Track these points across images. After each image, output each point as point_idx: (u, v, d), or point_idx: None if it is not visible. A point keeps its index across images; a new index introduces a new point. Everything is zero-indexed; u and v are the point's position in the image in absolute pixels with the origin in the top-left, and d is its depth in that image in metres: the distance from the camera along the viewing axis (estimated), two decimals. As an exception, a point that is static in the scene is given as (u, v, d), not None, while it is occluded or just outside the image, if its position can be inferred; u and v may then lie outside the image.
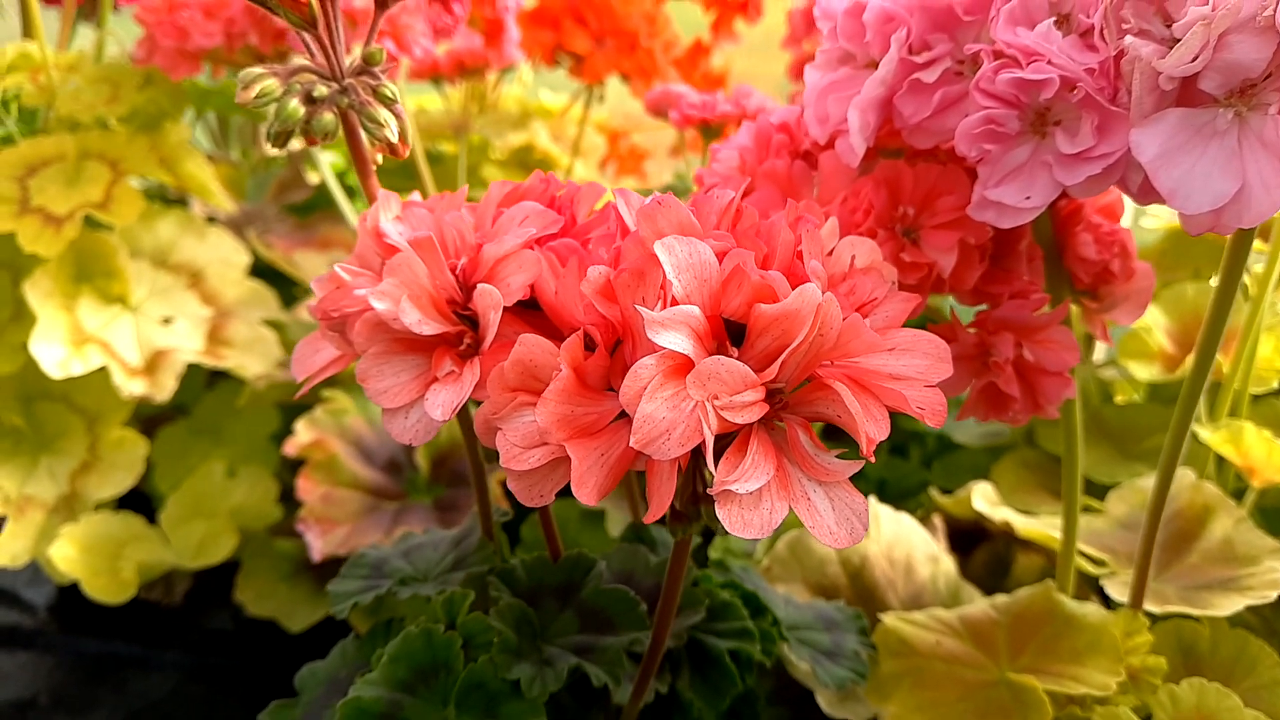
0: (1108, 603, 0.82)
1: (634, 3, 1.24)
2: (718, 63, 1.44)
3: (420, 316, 0.45)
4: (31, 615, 1.31)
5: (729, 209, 0.47)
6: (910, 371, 0.45)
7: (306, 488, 0.86)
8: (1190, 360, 0.98)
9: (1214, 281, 1.07)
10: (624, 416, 0.43)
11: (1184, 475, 0.87)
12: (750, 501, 0.40)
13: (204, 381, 1.16)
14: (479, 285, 0.45)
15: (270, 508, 1.00)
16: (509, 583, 0.58)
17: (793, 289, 0.42)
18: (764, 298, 0.42)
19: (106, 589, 0.95)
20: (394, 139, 0.49)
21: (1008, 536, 0.98)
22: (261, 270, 1.23)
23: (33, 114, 1.16)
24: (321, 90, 0.48)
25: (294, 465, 1.12)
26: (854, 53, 0.55)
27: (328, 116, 0.48)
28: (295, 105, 0.48)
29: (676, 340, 0.40)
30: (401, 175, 1.43)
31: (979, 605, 0.78)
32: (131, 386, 1.01)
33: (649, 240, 0.43)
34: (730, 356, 0.42)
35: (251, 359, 1.08)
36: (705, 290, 0.42)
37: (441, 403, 0.44)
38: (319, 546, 0.83)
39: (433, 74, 1.16)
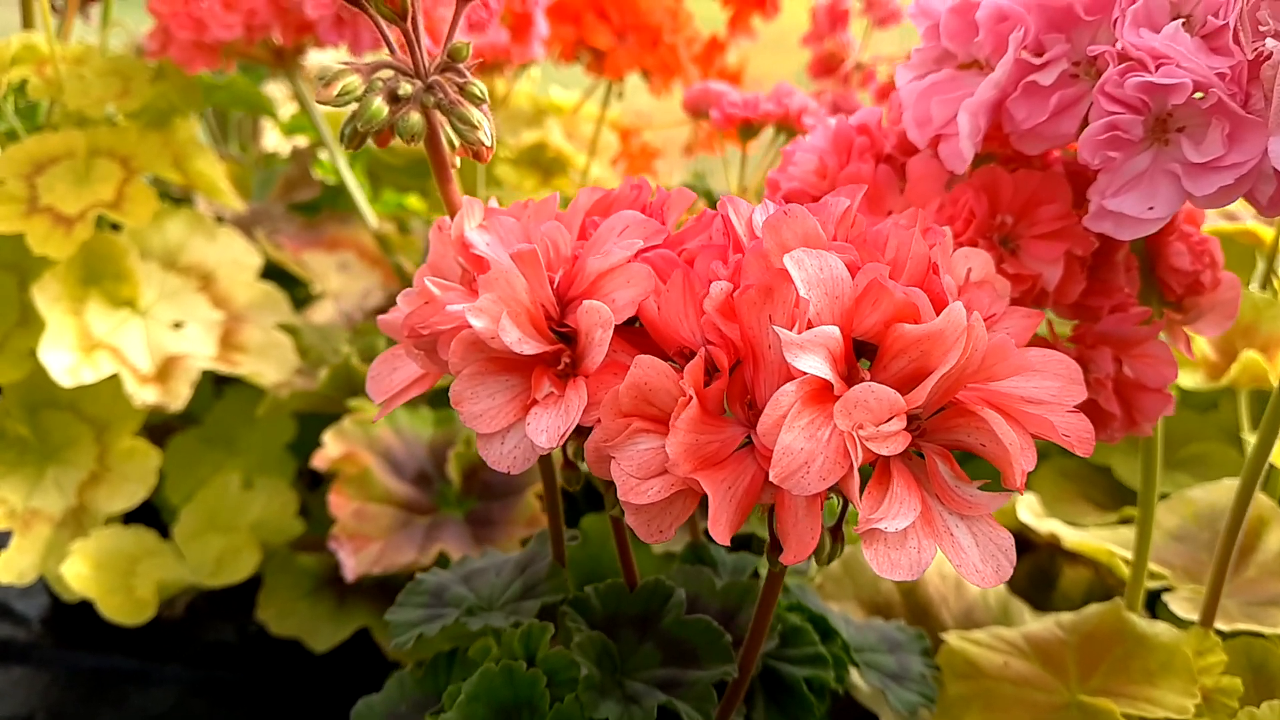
0: (1155, 615, 0.80)
1: (656, -2, 1.21)
2: (733, 59, 1.41)
3: (520, 335, 0.42)
4: (25, 628, 1.26)
5: (846, 218, 0.44)
6: (1044, 394, 0.42)
7: (338, 503, 0.82)
8: (1236, 369, 0.97)
9: (1254, 286, 1.06)
10: (747, 445, 0.40)
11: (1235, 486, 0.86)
12: (896, 540, 0.37)
13: (213, 389, 1.12)
14: (585, 302, 0.42)
15: (291, 522, 0.96)
16: (584, 613, 0.55)
17: (932, 306, 0.39)
18: (905, 317, 0.39)
19: (122, 609, 0.91)
20: (488, 141, 0.45)
21: (1052, 548, 0.95)
22: (267, 271, 1.19)
23: (32, 109, 1.11)
24: (406, 88, 0.45)
25: (309, 477, 1.08)
26: (955, 53, 0.52)
27: (414, 117, 0.45)
28: (380, 104, 0.44)
29: (816, 364, 0.37)
30: (410, 175, 1.39)
31: (1044, 624, 0.75)
32: (144, 394, 0.97)
33: (774, 254, 0.40)
34: (863, 380, 0.39)
35: (267, 365, 1.04)
36: (837, 308, 0.39)
37: (546, 429, 0.41)
38: (352, 565, 0.79)
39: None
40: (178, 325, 1.05)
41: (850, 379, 0.38)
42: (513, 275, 0.43)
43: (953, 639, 0.73)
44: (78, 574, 0.90)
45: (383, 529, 0.83)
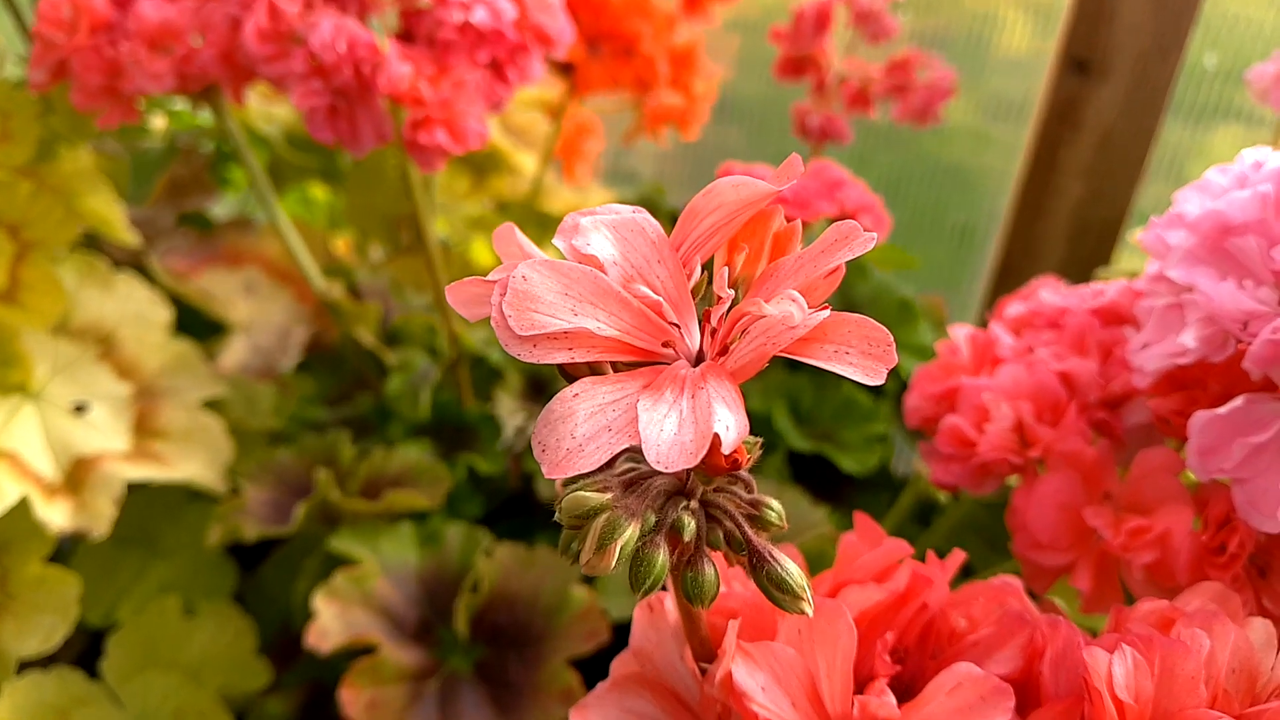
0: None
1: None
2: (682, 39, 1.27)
3: None
4: None
5: (1214, 670, 0.36)
6: None
7: (351, 698, 0.69)
8: None
9: None
10: None
11: None
12: None
13: (120, 470, 0.94)
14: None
15: (253, 664, 0.81)
16: None
17: None
18: None
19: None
20: (809, 610, 0.34)
21: None
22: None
23: None
24: (688, 525, 0.33)
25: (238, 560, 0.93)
26: (1251, 374, 0.44)
27: (710, 573, 0.33)
28: (664, 560, 0.32)
29: None
30: (308, 157, 1.20)
31: None
32: (56, 517, 0.79)
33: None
34: None
35: (195, 459, 0.87)
36: None
37: None
38: (368, 771, 0.67)
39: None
40: (79, 408, 0.86)
41: None
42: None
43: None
44: (0, 757, 0.74)
45: (395, 713, 0.71)
